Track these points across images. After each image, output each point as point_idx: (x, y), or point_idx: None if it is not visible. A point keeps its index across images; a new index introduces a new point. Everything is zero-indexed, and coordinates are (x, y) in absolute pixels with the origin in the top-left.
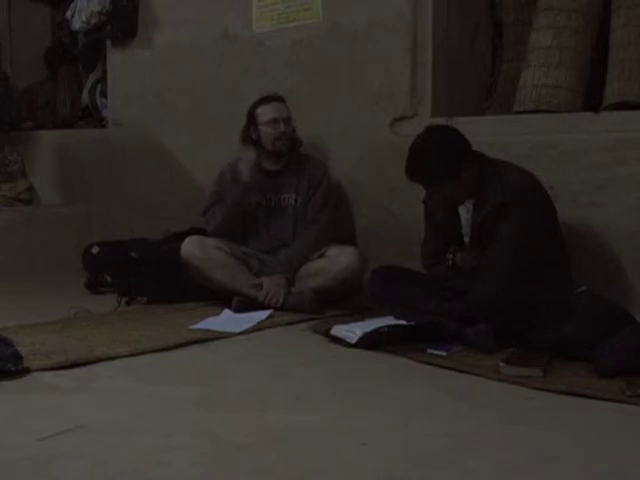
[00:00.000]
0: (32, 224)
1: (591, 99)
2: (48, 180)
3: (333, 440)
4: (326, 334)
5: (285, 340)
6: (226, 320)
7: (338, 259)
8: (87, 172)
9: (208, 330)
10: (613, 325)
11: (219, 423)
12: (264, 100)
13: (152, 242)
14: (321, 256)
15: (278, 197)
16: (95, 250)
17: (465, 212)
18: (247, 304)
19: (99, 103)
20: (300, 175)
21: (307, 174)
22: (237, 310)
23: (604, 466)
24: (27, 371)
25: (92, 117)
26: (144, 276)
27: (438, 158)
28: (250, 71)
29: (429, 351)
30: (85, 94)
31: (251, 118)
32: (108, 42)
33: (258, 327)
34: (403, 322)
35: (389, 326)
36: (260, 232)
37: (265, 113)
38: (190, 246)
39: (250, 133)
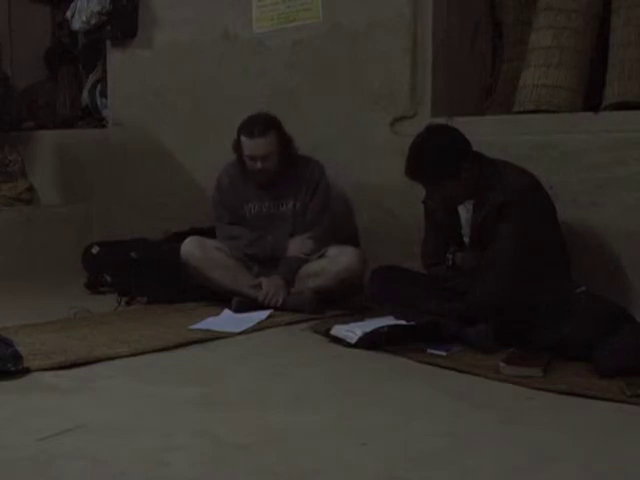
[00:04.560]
0: (32, 224)
1: (591, 99)
2: (48, 180)
3: (333, 440)
4: (326, 334)
5: (285, 340)
6: (226, 320)
7: (338, 259)
8: (87, 172)
9: (208, 330)
10: (613, 325)
11: (219, 423)
12: (247, 132)
13: (152, 242)
14: (321, 256)
15: (277, 203)
16: (95, 250)
17: (465, 212)
18: (247, 304)
19: (99, 103)
20: (297, 181)
21: (304, 179)
22: (237, 310)
23: (604, 466)
24: (27, 371)
25: (92, 117)
26: (144, 276)
27: (438, 158)
28: (250, 71)
29: (429, 351)
30: (85, 94)
31: (238, 138)
32: (108, 42)
33: (258, 327)
34: (403, 322)
35: (389, 326)
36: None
37: (245, 146)
38: (190, 246)
39: (239, 150)
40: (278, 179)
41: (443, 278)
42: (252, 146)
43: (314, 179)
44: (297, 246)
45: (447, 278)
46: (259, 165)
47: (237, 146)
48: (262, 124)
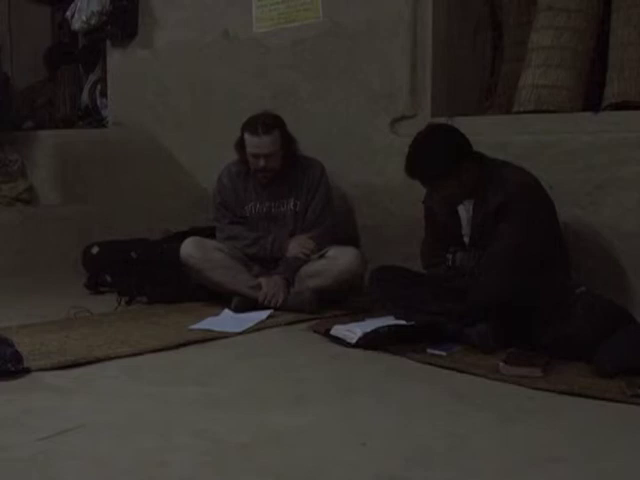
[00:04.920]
0: (32, 224)
1: (591, 99)
2: (48, 180)
3: (333, 440)
4: (326, 334)
5: (285, 340)
6: (226, 320)
7: (338, 260)
8: (87, 172)
9: (208, 330)
10: (613, 325)
11: (219, 423)
12: (251, 129)
13: (152, 242)
14: (321, 256)
15: (277, 203)
16: (95, 250)
17: (465, 212)
18: (247, 304)
19: (99, 103)
20: (297, 181)
21: (304, 179)
22: (237, 310)
23: (604, 466)
24: (27, 371)
25: (92, 117)
26: (144, 276)
27: (438, 157)
28: (250, 71)
29: (429, 351)
30: (85, 94)
31: (242, 136)
32: (108, 42)
33: (258, 327)
34: (403, 322)
35: (389, 326)
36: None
37: (249, 143)
38: (190, 247)
39: (242, 148)
40: (279, 179)
41: (443, 278)
42: (256, 143)
43: (315, 179)
44: (297, 246)
45: (447, 278)
46: (262, 163)
47: (240, 144)
48: (267, 122)
